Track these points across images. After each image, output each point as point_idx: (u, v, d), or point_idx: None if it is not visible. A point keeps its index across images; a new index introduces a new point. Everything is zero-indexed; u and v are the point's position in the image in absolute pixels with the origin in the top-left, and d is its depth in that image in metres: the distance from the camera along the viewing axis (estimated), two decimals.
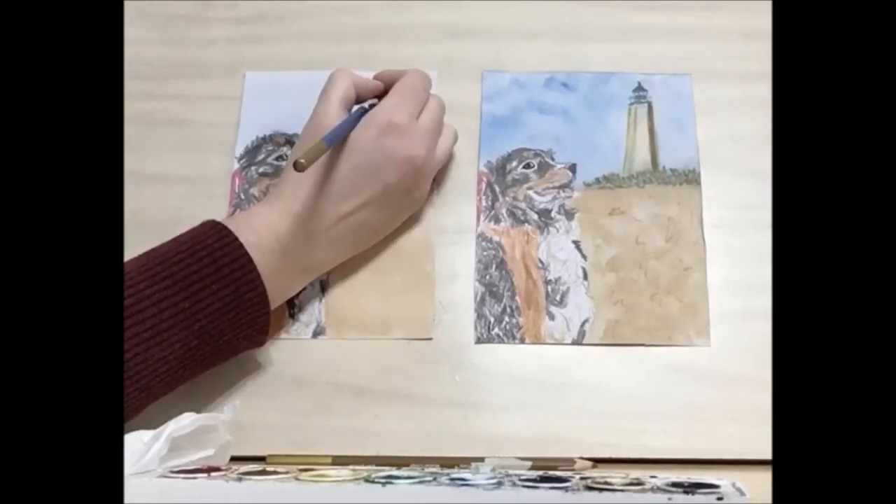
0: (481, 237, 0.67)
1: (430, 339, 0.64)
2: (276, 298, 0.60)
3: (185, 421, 0.51)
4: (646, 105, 0.70)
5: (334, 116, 0.62)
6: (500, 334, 0.64)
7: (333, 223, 0.61)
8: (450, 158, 0.68)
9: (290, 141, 0.70)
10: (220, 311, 0.57)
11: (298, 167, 0.56)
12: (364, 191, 0.61)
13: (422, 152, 0.63)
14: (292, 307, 0.65)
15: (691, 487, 0.44)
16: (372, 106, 0.65)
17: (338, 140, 0.60)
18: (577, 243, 0.66)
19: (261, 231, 0.59)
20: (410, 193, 0.64)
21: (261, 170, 0.69)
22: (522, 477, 0.48)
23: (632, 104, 0.70)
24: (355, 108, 0.65)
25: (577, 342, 0.63)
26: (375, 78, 0.67)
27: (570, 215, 0.67)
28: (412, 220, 0.67)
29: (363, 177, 0.61)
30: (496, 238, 0.66)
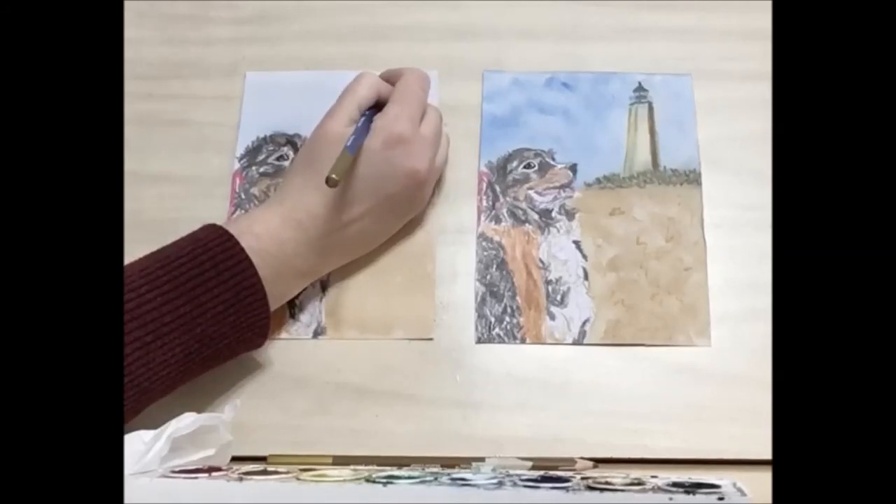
0: (482, 237, 0.67)
1: (430, 339, 0.64)
2: (275, 302, 0.60)
3: (186, 421, 0.51)
4: (646, 105, 0.70)
5: (343, 122, 0.62)
6: (501, 334, 0.64)
7: (335, 231, 0.61)
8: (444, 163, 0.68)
9: (290, 141, 0.70)
10: (220, 314, 0.57)
11: (331, 183, 0.57)
12: (367, 201, 0.62)
13: (425, 164, 0.63)
14: (293, 307, 0.65)
15: (692, 487, 0.45)
16: (372, 109, 0.64)
17: (359, 147, 0.61)
18: (577, 243, 0.66)
19: (262, 236, 0.59)
20: (412, 203, 0.65)
21: (261, 170, 0.69)
22: (523, 477, 0.48)
23: (632, 104, 0.70)
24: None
25: (578, 342, 0.63)
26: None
27: (570, 215, 0.67)
28: (413, 220, 0.67)
29: (367, 187, 0.61)
30: (497, 238, 0.66)
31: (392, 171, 0.62)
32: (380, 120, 0.62)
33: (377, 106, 0.64)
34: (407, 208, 0.65)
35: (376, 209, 0.62)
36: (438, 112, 0.66)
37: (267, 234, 0.59)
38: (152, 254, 0.58)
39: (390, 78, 0.66)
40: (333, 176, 0.57)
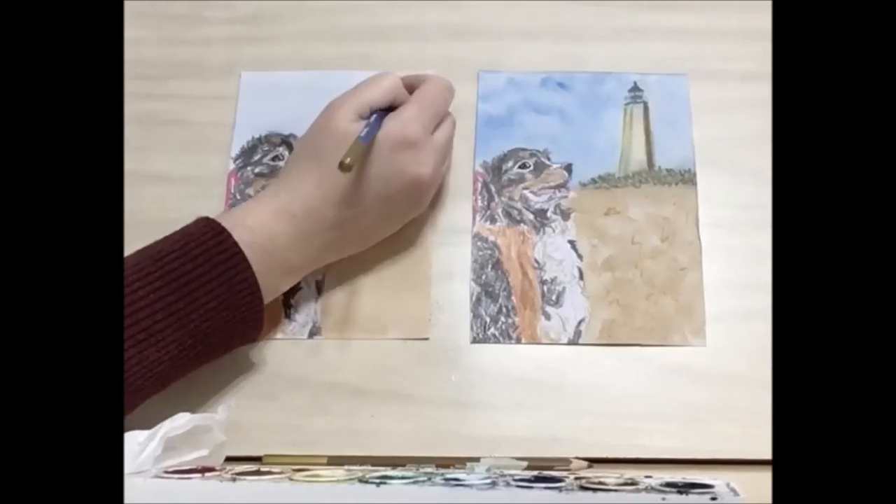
0: (477, 237, 0.67)
1: (426, 339, 0.64)
2: (267, 295, 0.59)
3: (180, 421, 0.51)
4: (641, 105, 0.70)
5: (350, 118, 0.61)
6: (496, 334, 0.64)
7: (329, 227, 0.61)
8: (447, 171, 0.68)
9: (285, 141, 0.70)
10: (214, 309, 0.57)
11: (344, 168, 0.56)
12: (365, 199, 0.61)
13: (430, 171, 0.62)
14: (288, 307, 0.65)
15: (685, 487, 0.45)
16: (385, 110, 0.63)
17: (372, 140, 0.60)
18: (572, 243, 0.66)
19: (254, 229, 0.58)
20: (411, 207, 0.64)
21: (257, 170, 0.69)
22: (517, 477, 0.48)
23: (628, 104, 0.70)
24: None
25: (573, 342, 0.63)
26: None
27: (565, 215, 0.67)
28: (408, 221, 0.67)
29: (368, 186, 0.60)
30: (492, 238, 0.66)
31: (396, 174, 0.61)
32: (392, 120, 0.61)
33: (391, 109, 0.63)
34: (405, 212, 0.64)
35: (374, 210, 0.62)
36: (454, 122, 0.66)
37: (259, 227, 0.59)
38: (144, 249, 0.57)
39: (413, 84, 0.65)
40: (347, 160, 0.56)
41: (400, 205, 0.63)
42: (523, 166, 0.68)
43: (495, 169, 0.69)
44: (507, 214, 0.67)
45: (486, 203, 0.68)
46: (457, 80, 0.71)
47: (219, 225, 0.58)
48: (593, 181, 0.68)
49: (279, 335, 0.64)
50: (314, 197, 0.60)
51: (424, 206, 0.65)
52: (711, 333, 0.63)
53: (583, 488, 0.45)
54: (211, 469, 0.50)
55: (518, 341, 0.63)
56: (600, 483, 0.46)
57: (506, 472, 0.52)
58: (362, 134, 0.59)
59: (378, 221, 0.63)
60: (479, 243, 0.66)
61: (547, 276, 0.65)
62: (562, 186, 0.68)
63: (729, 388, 0.61)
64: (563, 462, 0.57)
